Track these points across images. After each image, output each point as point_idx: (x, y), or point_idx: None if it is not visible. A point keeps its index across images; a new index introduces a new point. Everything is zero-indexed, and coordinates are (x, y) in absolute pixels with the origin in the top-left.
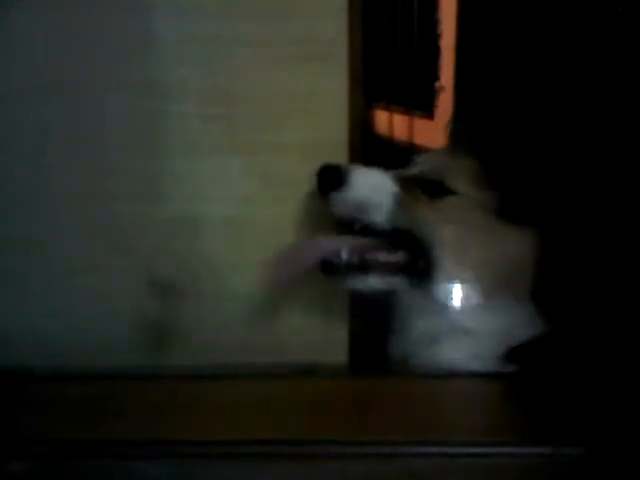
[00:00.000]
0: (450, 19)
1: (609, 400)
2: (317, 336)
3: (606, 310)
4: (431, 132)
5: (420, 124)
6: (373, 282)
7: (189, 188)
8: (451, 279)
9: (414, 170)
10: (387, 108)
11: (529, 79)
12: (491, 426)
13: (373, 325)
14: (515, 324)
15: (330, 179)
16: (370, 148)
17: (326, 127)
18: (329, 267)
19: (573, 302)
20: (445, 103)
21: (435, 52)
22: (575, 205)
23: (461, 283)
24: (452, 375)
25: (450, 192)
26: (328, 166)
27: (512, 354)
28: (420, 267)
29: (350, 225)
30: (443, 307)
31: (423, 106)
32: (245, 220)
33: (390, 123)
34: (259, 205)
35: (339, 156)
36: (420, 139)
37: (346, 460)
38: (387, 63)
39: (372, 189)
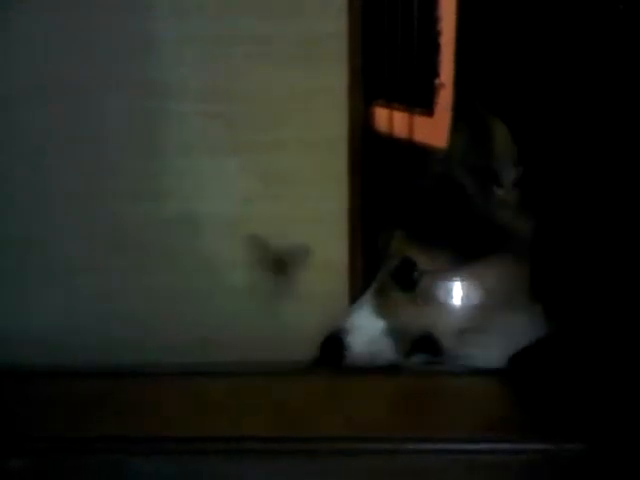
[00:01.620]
0: (450, 16)
1: (609, 396)
2: (317, 333)
3: (606, 307)
4: (431, 129)
5: (420, 121)
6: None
7: (189, 187)
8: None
9: (385, 271)
10: (387, 105)
11: (529, 76)
12: (491, 422)
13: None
14: (518, 329)
15: (331, 352)
16: (370, 145)
17: (326, 125)
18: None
19: (574, 300)
20: (445, 100)
21: (435, 49)
22: (576, 206)
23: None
24: (452, 372)
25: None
26: (327, 338)
27: (515, 359)
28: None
29: None
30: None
31: (423, 103)
32: (245, 218)
33: (390, 120)
34: (259, 203)
35: (339, 154)
36: (420, 136)
37: (346, 457)
38: (387, 60)
39: (369, 344)
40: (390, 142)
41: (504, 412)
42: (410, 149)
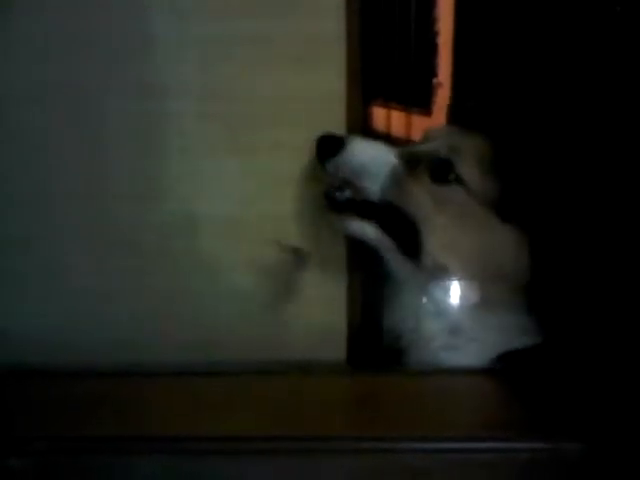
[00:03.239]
0: (448, 16)
1: (607, 395)
2: (315, 333)
3: (604, 307)
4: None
5: (418, 121)
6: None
7: (188, 188)
8: (436, 267)
9: (424, 147)
10: (385, 105)
11: (527, 76)
12: (489, 422)
13: (371, 322)
14: (509, 329)
15: (329, 146)
16: None
17: (324, 125)
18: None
19: (572, 299)
20: (443, 100)
21: (433, 49)
22: (571, 208)
23: (446, 273)
24: (450, 371)
25: (454, 179)
26: (328, 135)
27: (506, 358)
28: (407, 247)
29: (339, 202)
30: (430, 296)
31: (421, 103)
32: (244, 219)
33: (388, 120)
34: (258, 204)
35: None
36: (418, 136)
37: (345, 456)
38: (385, 61)
39: (371, 157)
40: (388, 142)
41: (502, 411)
42: None
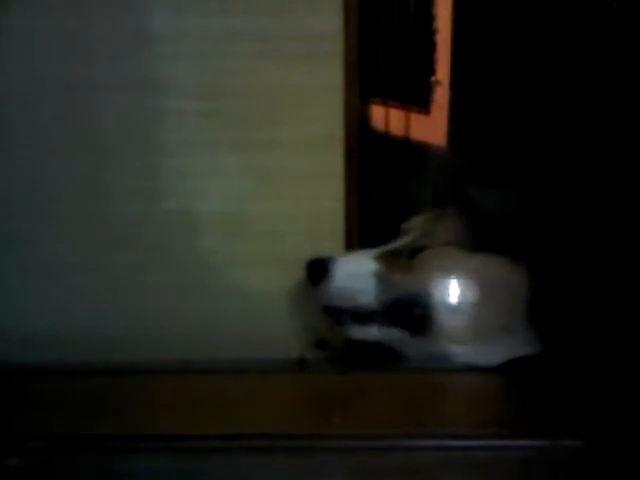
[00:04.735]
0: (446, 14)
1: (607, 393)
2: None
3: (602, 305)
4: (427, 127)
5: (416, 119)
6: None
7: (187, 184)
8: (449, 332)
9: (401, 241)
10: (383, 103)
11: (525, 73)
12: (489, 419)
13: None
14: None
15: (315, 272)
16: (366, 143)
17: (322, 123)
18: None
19: (570, 298)
20: (441, 98)
21: (431, 47)
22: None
23: (459, 333)
24: (449, 369)
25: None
26: (313, 260)
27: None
28: (418, 323)
29: (337, 315)
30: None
31: (419, 101)
32: (242, 216)
33: (386, 118)
34: (256, 201)
35: (335, 151)
36: (416, 134)
37: (344, 454)
38: (383, 58)
39: (354, 278)
40: (386, 140)
41: (501, 409)
42: (406, 147)
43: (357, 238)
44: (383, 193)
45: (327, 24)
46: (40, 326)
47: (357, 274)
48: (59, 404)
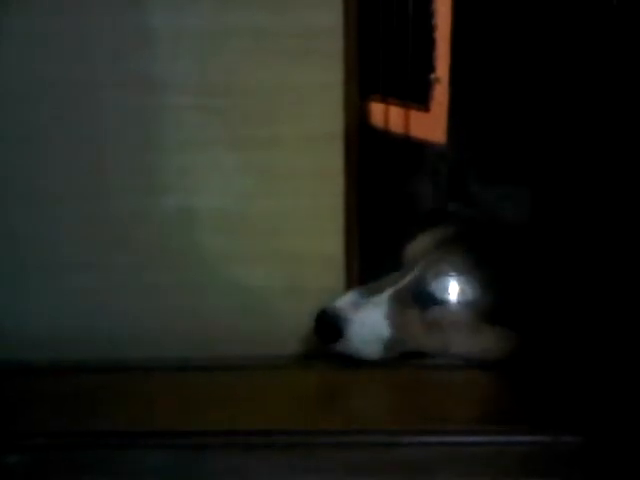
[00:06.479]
0: (445, 11)
1: (607, 388)
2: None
3: (602, 303)
4: (427, 124)
5: (416, 116)
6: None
7: (186, 182)
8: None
9: (410, 277)
10: (383, 100)
11: (524, 70)
12: (489, 415)
13: None
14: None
15: (327, 332)
16: (366, 140)
17: (322, 120)
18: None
19: (571, 296)
20: (441, 95)
21: (430, 44)
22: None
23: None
24: (449, 365)
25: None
26: (326, 317)
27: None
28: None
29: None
30: None
31: (419, 98)
32: (242, 213)
33: (386, 115)
34: (256, 198)
35: (335, 149)
36: (416, 131)
37: (344, 450)
38: (383, 55)
39: (367, 341)
40: (386, 137)
41: (501, 405)
42: (406, 144)
43: (357, 235)
44: (383, 190)
45: (326, 21)
46: (40, 326)
47: (370, 338)
48: (59, 402)
